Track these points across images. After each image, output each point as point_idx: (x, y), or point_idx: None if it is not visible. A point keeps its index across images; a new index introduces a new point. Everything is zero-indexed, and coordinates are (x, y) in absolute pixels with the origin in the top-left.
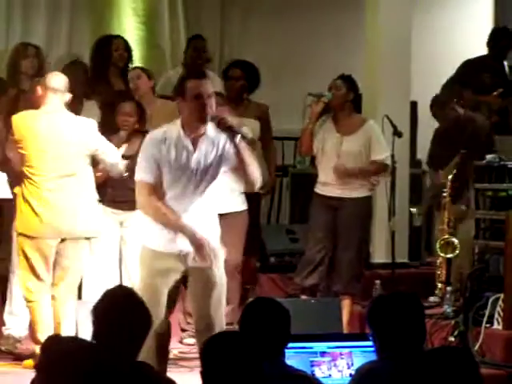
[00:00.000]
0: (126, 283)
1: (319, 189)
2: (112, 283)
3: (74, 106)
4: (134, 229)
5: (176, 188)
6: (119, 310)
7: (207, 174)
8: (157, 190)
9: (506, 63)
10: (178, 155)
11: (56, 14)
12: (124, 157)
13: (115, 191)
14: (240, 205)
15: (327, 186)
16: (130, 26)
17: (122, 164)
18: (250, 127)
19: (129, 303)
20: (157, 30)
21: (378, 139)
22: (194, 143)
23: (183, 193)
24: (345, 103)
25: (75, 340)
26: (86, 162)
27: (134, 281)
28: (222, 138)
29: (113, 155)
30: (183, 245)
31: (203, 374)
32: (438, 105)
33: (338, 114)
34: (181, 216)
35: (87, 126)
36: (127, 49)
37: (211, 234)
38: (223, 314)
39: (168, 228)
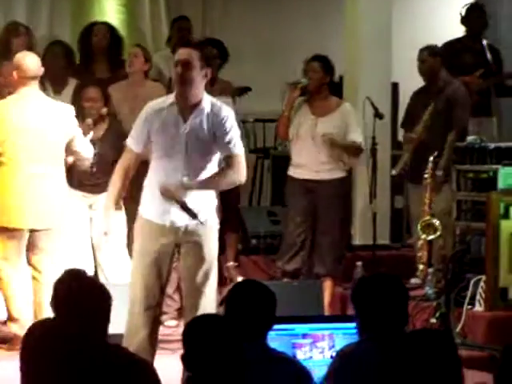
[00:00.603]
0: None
1: (293, 172)
2: (86, 265)
3: (57, 86)
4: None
5: (169, 156)
6: (73, 295)
7: (199, 146)
8: (140, 158)
9: (485, 43)
10: (169, 123)
11: None
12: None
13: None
14: None
15: (302, 167)
16: (110, 9)
17: (91, 159)
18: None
19: (80, 285)
20: (137, 14)
21: (354, 124)
22: (186, 113)
23: (176, 161)
24: (321, 86)
25: (55, 320)
26: (62, 149)
27: (100, 261)
28: (220, 115)
29: (87, 149)
30: (177, 217)
31: (184, 357)
32: (431, 51)
33: (314, 97)
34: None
35: (65, 111)
36: (110, 31)
37: (207, 205)
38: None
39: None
